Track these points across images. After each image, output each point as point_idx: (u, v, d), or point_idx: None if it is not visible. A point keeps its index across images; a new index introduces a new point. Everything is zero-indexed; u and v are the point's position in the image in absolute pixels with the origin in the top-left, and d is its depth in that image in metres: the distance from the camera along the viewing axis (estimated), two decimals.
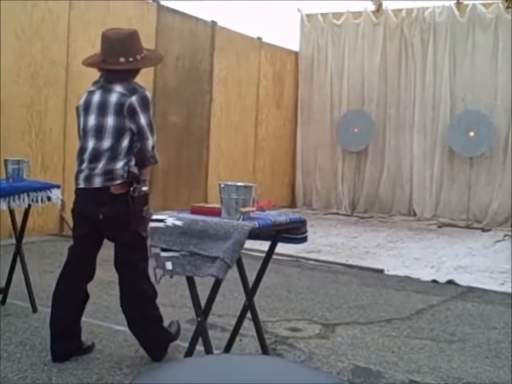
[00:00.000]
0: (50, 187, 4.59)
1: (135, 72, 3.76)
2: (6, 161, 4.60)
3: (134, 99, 3.56)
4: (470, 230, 10.25)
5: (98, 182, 3.58)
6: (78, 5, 8.04)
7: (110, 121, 3.57)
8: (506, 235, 9.62)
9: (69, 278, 3.71)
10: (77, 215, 3.74)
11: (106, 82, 3.65)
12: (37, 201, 4.48)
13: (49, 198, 4.55)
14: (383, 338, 4.39)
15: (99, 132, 3.59)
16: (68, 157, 7.76)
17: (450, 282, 6.21)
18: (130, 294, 3.68)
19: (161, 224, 3.19)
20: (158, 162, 3.74)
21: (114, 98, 3.58)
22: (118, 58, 3.61)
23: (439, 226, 10.49)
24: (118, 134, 3.57)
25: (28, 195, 4.42)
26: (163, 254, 3.17)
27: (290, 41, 12.42)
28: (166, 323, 3.84)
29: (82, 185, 3.64)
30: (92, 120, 3.62)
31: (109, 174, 3.56)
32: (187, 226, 3.14)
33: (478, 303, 5.49)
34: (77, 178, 3.68)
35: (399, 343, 4.28)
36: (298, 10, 12.46)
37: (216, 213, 3.26)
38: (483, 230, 10.25)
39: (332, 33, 12.15)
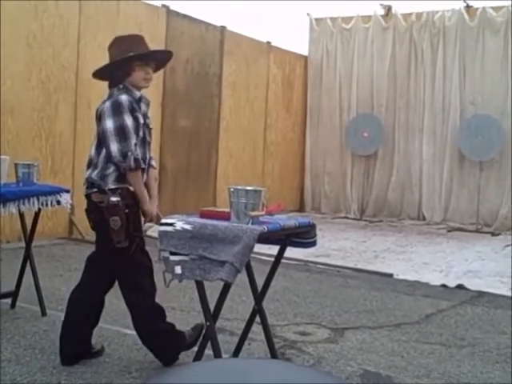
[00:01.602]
0: (59, 191, 4.61)
1: (127, 70, 3.59)
2: (16, 165, 4.62)
3: (105, 105, 3.53)
4: (480, 234, 10.21)
5: (84, 190, 3.65)
6: (88, 10, 8.08)
7: (97, 129, 3.62)
8: None
9: (86, 288, 3.70)
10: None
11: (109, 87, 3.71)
12: (46, 205, 4.51)
13: (58, 202, 4.57)
14: (392, 342, 4.38)
15: (96, 138, 3.65)
16: (77, 161, 7.79)
17: (460, 287, 6.18)
18: (128, 307, 3.69)
19: (170, 228, 3.19)
20: (132, 167, 3.47)
21: (103, 106, 3.60)
22: (114, 58, 3.65)
23: (449, 231, 10.45)
24: (98, 141, 3.58)
25: (38, 199, 4.44)
26: (172, 257, 3.18)
27: (299, 45, 12.45)
28: (181, 327, 3.81)
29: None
30: (96, 129, 3.68)
31: (88, 183, 3.60)
32: (196, 230, 3.14)
33: (487, 308, 5.46)
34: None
35: (408, 348, 4.26)
36: (307, 14, 12.47)
37: (225, 217, 3.27)
38: (493, 234, 10.21)
39: (341, 37, 12.15)
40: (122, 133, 3.46)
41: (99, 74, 3.76)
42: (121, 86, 3.60)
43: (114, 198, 3.44)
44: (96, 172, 3.55)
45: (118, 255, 3.50)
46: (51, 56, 7.73)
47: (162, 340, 3.65)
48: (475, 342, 4.47)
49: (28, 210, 4.52)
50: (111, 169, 3.51)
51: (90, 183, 3.58)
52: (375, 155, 11.84)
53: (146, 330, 3.64)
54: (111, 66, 3.67)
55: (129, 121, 3.48)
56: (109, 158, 3.49)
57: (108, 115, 3.48)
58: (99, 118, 3.57)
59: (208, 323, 3.24)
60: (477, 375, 3.82)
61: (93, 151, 3.61)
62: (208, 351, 3.30)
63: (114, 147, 3.45)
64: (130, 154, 3.45)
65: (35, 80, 7.57)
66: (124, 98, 3.52)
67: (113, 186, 3.50)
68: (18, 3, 7.23)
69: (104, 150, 3.52)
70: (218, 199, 9.99)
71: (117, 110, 3.48)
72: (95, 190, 3.55)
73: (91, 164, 3.60)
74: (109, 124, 3.47)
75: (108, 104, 3.52)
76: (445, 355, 4.16)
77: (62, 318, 3.76)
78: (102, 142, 3.54)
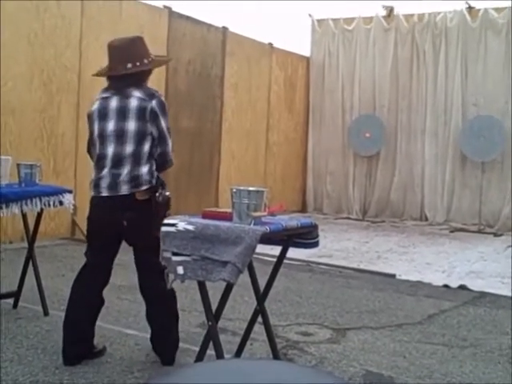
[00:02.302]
0: (62, 192, 4.61)
1: (145, 76, 3.75)
2: (18, 165, 4.63)
3: (154, 104, 3.59)
4: (482, 234, 10.21)
5: (124, 189, 3.56)
6: (90, 11, 8.09)
7: (132, 125, 3.57)
8: None
9: (85, 284, 3.71)
10: (96, 224, 3.69)
11: (116, 89, 3.65)
12: (49, 205, 4.51)
13: (61, 203, 4.57)
14: (394, 342, 4.37)
15: (120, 137, 3.58)
16: (80, 162, 7.80)
17: (462, 287, 6.18)
18: (153, 294, 3.70)
19: (172, 228, 3.19)
20: (172, 165, 3.78)
21: (134, 102, 3.58)
22: (126, 65, 3.61)
23: (451, 231, 10.45)
24: (140, 138, 3.57)
25: (40, 199, 4.44)
26: (174, 258, 3.18)
27: (301, 46, 12.45)
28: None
29: (105, 193, 3.59)
30: (111, 125, 3.60)
31: (135, 181, 3.56)
32: (199, 230, 3.14)
33: (490, 308, 5.46)
34: (97, 186, 3.62)
35: (410, 348, 4.26)
36: (309, 15, 12.48)
37: (227, 217, 3.26)
38: (495, 234, 10.21)
39: (343, 38, 12.16)
40: (169, 132, 3.69)
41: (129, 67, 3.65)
42: (146, 85, 3.72)
43: (167, 193, 3.60)
44: (146, 169, 3.57)
45: (158, 248, 3.46)
46: (53, 57, 7.73)
47: (176, 328, 3.73)
48: (477, 342, 4.47)
49: (30, 211, 4.53)
50: (154, 165, 3.64)
51: (145, 180, 3.56)
52: (377, 156, 11.85)
53: (171, 313, 3.72)
54: (147, 66, 3.72)
55: None
56: (161, 155, 3.64)
57: (161, 114, 3.62)
58: (151, 116, 3.57)
59: (210, 323, 3.24)
60: (479, 376, 3.82)
61: (128, 148, 3.56)
62: (210, 351, 3.30)
63: (170, 146, 3.69)
64: (172, 153, 3.73)
65: (37, 81, 7.58)
66: (163, 98, 3.71)
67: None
68: (19, 3, 7.24)
69: (146, 147, 3.58)
70: (221, 200, 9.99)
71: (165, 109, 3.68)
72: (145, 186, 3.56)
73: (124, 162, 3.56)
74: (163, 124, 3.64)
75: (157, 103, 3.61)
76: (447, 356, 4.15)
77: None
78: (141, 139, 3.56)
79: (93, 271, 3.71)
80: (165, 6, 9.35)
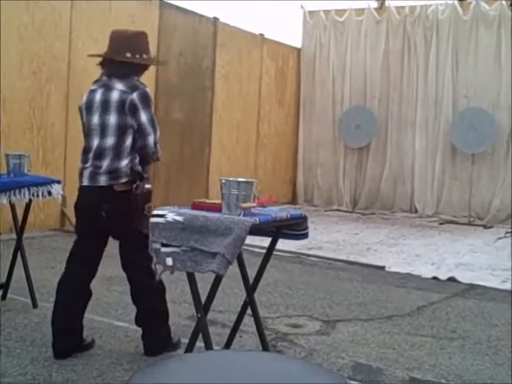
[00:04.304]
0: (50, 182, 4.59)
1: (140, 70, 3.75)
2: (7, 155, 4.60)
3: (134, 96, 3.57)
4: (472, 226, 10.24)
5: (103, 180, 3.59)
6: (79, 2, 8.03)
7: (113, 119, 3.58)
8: (507, 232, 9.60)
9: (71, 274, 3.71)
10: (80, 211, 3.74)
11: (107, 76, 3.65)
12: (37, 195, 4.49)
13: (49, 193, 4.56)
14: (384, 334, 4.39)
15: (102, 130, 3.60)
16: (69, 152, 7.77)
17: (451, 279, 6.20)
18: (137, 290, 3.72)
19: (161, 219, 3.17)
20: (160, 158, 3.74)
21: (115, 95, 3.58)
22: (125, 53, 3.62)
23: (441, 223, 10.48)
24: (121, 131, 3.57)
25: (29, 190, 4.42)
26: (163, 249, 3.16)
27: (293, 37, 12.43)
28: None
29: (86, 182, 3.65)
30: (95, 119, 3.63)
31: (114, 173, 3.57)
32: (188, 221, 3.13)
33: (479, 300, 5.48)
34: (81, 175, 3.69)
35: (400, 340, 4.28)
36: (301, 6, 12.44)
37: (217, 208, 3.25)
38: (485, 226, 10.25)
39: (334, 30, 12.13)
40: (153, 125, 3.64)
41: (121, 55, 3.63)
42: (136, 79, 3.68)
43: (148, 185, 3.57)
44: (126, 162, 3.56)
45: (144, 241, 3.42)
46: (42, 47, 7.67)
47: (164, 326, 3.75)
48: (466, 334, 4.49)
49: (19, 201, 4.50)
50: (137, 159, 3.61)
51: (124, 173, 3.55)
52: (368, 148, 11.86)
53: (158, 310, 3.73)
54: (146, 61, 3.71)
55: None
56: (142, 148, 3.60)
57: (142, 107, 3.58)
58: (131, 108, 3.55)
59: (199, 315, 3.23)
60: (467, 367, 3.83)
61: (109, 141, 3.57)
62: (199, 343, 3.30)
63: (152, 138, 3.62)
64: (158, 145, 3.66)
65: (26, 71, 7.53)
66: (148, 90, 3.67)
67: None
68: None
69: (128, 140, 3.57)
70: (211, 192, 9.97)
71: (148, 101, 3.63)
72: (124, 179, 3.55)
73: (105, 154, 3.57)
74: (144, 116, 3.58)
75: (138, 95, 3.57)
76: (436, 347, 4.17)
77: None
78: (123, 133, 3.56)
79: (79, 263, 3.71)
80: None
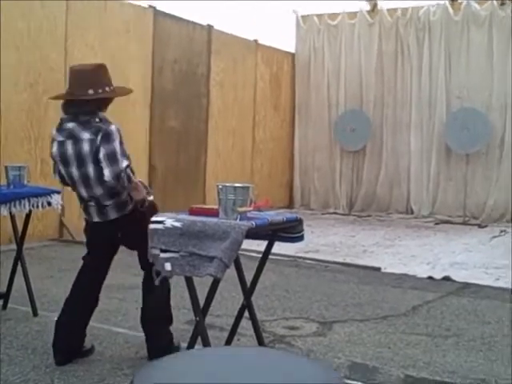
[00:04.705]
0: (50, 193, 4.66)
1: (104, 104, 3.70)
2: (6, 167, 4.67)
3: (98, 140, 3.52)
4: (467, 226, 10.33)
5: (112, 214, 3.68)
6: (75, 10, 8.10)
7: (91, 170, 3.59)
8: (502, 231, 9.70)
9: (84, 285, 3.80)
10: (92, 237, 3.85)
11: (72, 118, 3.61)
12: (37, 206, 4.56)
13: (49, 204, 4.62)
14: (379, 334, 4.46)
15: (87, 181, 3.63)
16: None
17: (446, 279, 6.28)
18: (151, 296, 3.80)
19: (160, 226, 3.25)
20: (128, 182, 3.57)
21: (85, 147, 3.55)
22: (87, 90, 3.58)
23: (436, 223, 10.57)
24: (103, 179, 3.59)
25: (29, 201, 4.49)
26: (162, 255, 3.23)
27: (287, 42, 12.51)
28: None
29: (96, 219, 3.73)
30: (75, 172, 3.64)
31: (120, 205, 3.67)
32: (186, 227, 3.20)
33: (473, 299, 5.56)
34: (87, 212, 3.76)
35: (395, 339, 4.35)
36: (294, 11, 12.53)
37: (214, 213, 3.32)
38: (480, 226, 10.33)
39: (328, 33, 12.22)
40: (114, 158, 3.52)
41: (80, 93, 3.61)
42: (102, 114, 3.65)
43: (150, 197, 3.68)
44: (124, 195, 3.65)
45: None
46: (39, 58, 7.74)
47: (166, 332, 3.82)
48: (460, 332, 4.57)
49: (19, 212, 4.57)
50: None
51: (124, 204, 3.67)
52: (364, 151, 11.94)
53: (162, 313, 3.82)
54: (109, 94, 3.69)
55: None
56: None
57: (102, 145, 3.51)
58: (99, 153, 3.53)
59: (197, 318, 3.30)
60: (461, 364, 3.91)
61: (98, 190, 3.63)
62: (198, 346, 3.37)
63: (107, 172, 3.52)
64: (128, 169, 3.59)
65: (23, 82, 7.60)
66: (113, 127, 3.57)
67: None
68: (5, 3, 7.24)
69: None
70: (208, 197, 10.04)
71: (109, 138, 3.53)
72: (131, 206, 3.65)
73: (102, 198, 3.64)
74: (102, 152, 3.51)
75: (101, 138, 3.51)
76: (430, 345, 4.25)
77: (54, 319, 3.82)
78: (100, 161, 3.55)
79: (92, 273, 3.81)
80: (150, 6, 9.38)
